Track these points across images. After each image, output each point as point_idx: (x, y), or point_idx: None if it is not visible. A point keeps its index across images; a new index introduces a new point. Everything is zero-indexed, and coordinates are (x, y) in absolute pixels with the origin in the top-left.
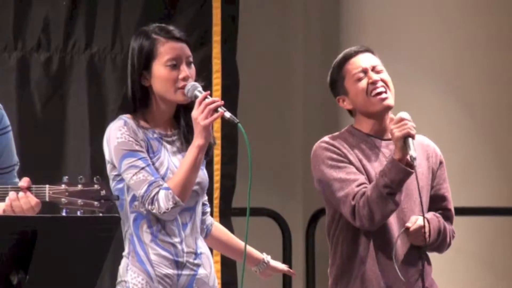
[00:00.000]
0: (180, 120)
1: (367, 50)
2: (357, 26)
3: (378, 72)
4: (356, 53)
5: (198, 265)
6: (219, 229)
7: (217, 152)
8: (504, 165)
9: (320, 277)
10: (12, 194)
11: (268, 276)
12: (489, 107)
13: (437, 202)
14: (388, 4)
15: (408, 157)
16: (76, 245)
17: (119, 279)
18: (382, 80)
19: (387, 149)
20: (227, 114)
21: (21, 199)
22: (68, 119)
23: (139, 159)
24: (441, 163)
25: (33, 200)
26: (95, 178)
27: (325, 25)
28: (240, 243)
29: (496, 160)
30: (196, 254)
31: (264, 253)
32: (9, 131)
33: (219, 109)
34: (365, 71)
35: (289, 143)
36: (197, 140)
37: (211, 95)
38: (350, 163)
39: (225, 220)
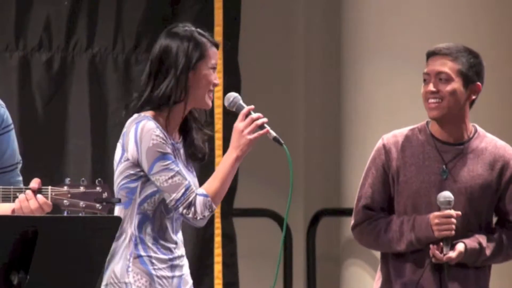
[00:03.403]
0: (182, 131)
1: None
2: (359, 27)
3: None
4: None
5: (182, 266)
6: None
7: (218, 153)
8: None
9: (321, 278)
10: (21, 196)
11: None
12: (491, 107)
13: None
14: (389, 5)
15: (443, 255)
16: (77, 246)
17: (115, 281)
18: None
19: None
20: (273, 133)
21: (30, 200)
22: (69, 119)
23: (172, 162)
24: None
25: (41, 199)
26: (97, 181)
27: (327, 26)
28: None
29: None
30: (183, 256)
31: None
32: (11, 129)
33: (265, 125)
34: None
35: (290, 143)
36: (236, 152)
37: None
38: None
39: (226, 221)
